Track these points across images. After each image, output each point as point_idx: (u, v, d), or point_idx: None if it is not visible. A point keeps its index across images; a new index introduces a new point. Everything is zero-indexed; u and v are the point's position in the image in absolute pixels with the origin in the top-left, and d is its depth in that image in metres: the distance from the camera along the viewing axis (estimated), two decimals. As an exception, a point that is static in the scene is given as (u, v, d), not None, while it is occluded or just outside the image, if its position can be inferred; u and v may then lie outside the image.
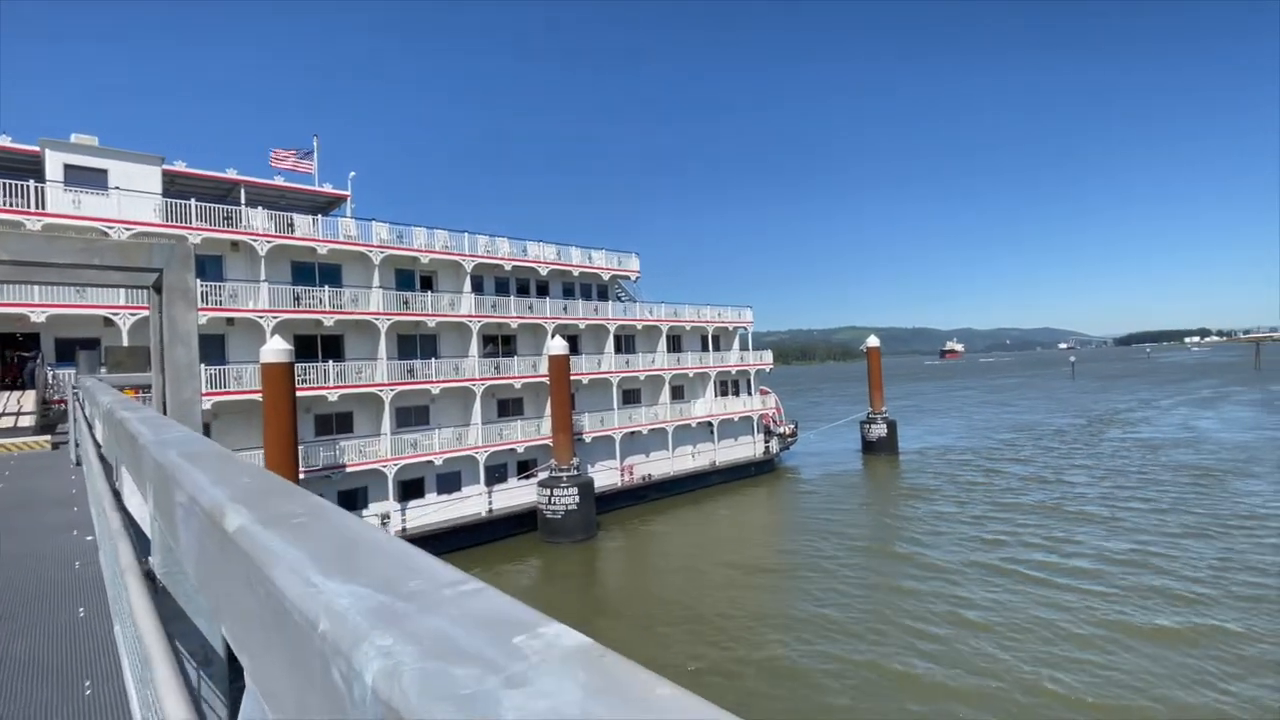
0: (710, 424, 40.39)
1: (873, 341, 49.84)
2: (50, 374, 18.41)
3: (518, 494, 30.63)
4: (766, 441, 43.34)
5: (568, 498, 28.49)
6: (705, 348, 43.24)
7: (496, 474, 30.91)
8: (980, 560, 22.82)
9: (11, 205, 21.24)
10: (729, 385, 44.31)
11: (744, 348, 46.00)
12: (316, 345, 27.45)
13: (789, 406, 57.10)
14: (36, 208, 21.67)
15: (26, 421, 14.83)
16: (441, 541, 26.57)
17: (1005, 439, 51.69)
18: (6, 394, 16.01)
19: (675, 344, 41.71)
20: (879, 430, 46.20)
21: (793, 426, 47.27)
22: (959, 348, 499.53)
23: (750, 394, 44.83)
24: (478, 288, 32.73)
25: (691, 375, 41.29)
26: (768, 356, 46.95)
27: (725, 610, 19.84)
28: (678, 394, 40.79)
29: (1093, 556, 22.54)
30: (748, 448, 42.20)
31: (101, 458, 4.32)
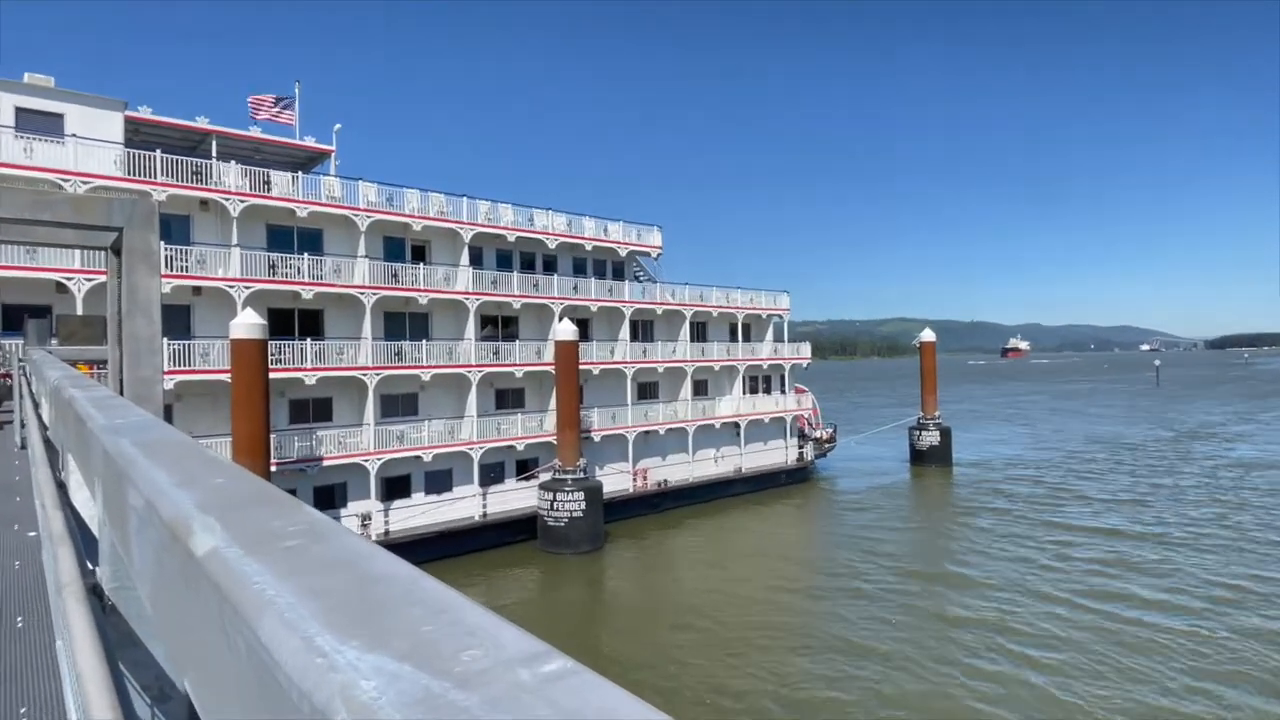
0: (737, 425, 40.21)
1: (927, 336, 49.33)
2: (-5, 344, 18.64)
3: (516, 497, 30.72)
4: (800, 447, 43.12)
5: (572, 503, 28.53)
6: (734, 337, 43.00)
7: (492, 474, 31.01)
8: (1042, 590, 22.52)
9: (-44, 153, 21.49)
10: (759, 381, 44.07)
11: (778, 338, 45.70)
12: (293, 320, 27.62)
13: (827, 407, 56.77)
14: (-16, 156, 21.90)
15: (-32, 397, 15.01)
16: (429, 548, 26.74)
17: (1076, 453, 51.03)
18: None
19: (700, 332, 41.51)
20: (930, 438, 45.78)
21: (831, 430, 46.97)
22: (1024, 345, 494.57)
23: (784, 392, 44.56)
24: (476, 261, 32.72)
25: (717, 369, 41.08)
26: (805, 349, 46.63)
27: (749, 638, 19.74)
28: (701, 389, 40.63)
29: (1172, 591, 22.13)
30: (779, 453, 42.01)
31: (47, 442, 4.25)
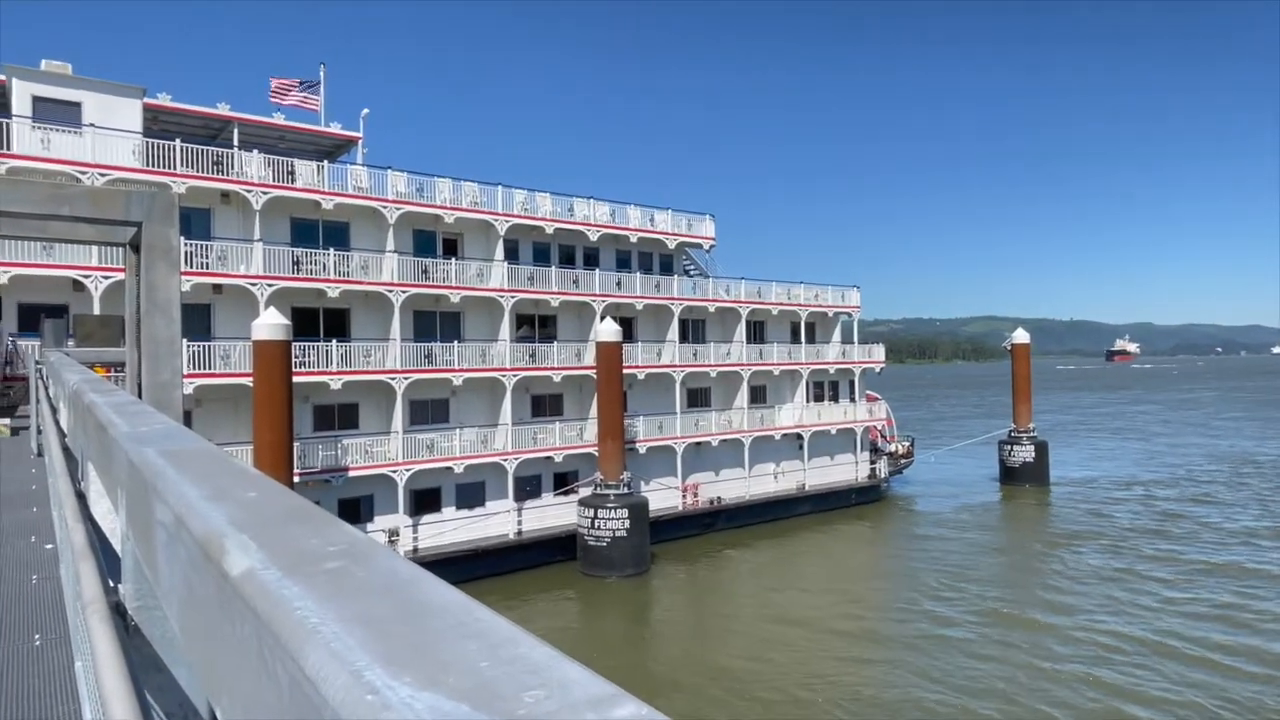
0: (800, 437, 39.76)
1: (1020, 337, 48.00)
2: (10, 345, 19.66)
3: (554, 514, 30.98)
4: (873, 462, 42.40)
5: (615, 521, 28.62)
6: (796, 338, 42.57)
7: (528, 487, 31.33)
8: (1151, 640, 21.58)
9: (-26, 145, 22.78)
10: (825, 388, 43.49)
11: (847, 339, 45.07)
12: (318, 320, 28.44)
13: (904, 418, 55.75)
14: (0, 148, 23.15)
15: (-14, 401, 15.84)
16: (460, 567, 27.14)
17: (1195, 471, 48.92)
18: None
19: (757, 332, 41.21)
20: (1024, 453, 44.50)
21: (908, 444, 46.08)
22: (1132, 348, 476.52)
23: (853, 400, 43.87)
24: (512, 255, 33.16)
25: (777, 373, 40.71)
26: (878, 352, 45.82)
27: (810, 684, 19.47)
28: (758, 397, 40.33)
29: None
30: (848, 469, 41.39)
31: (66, 450, 4.44)
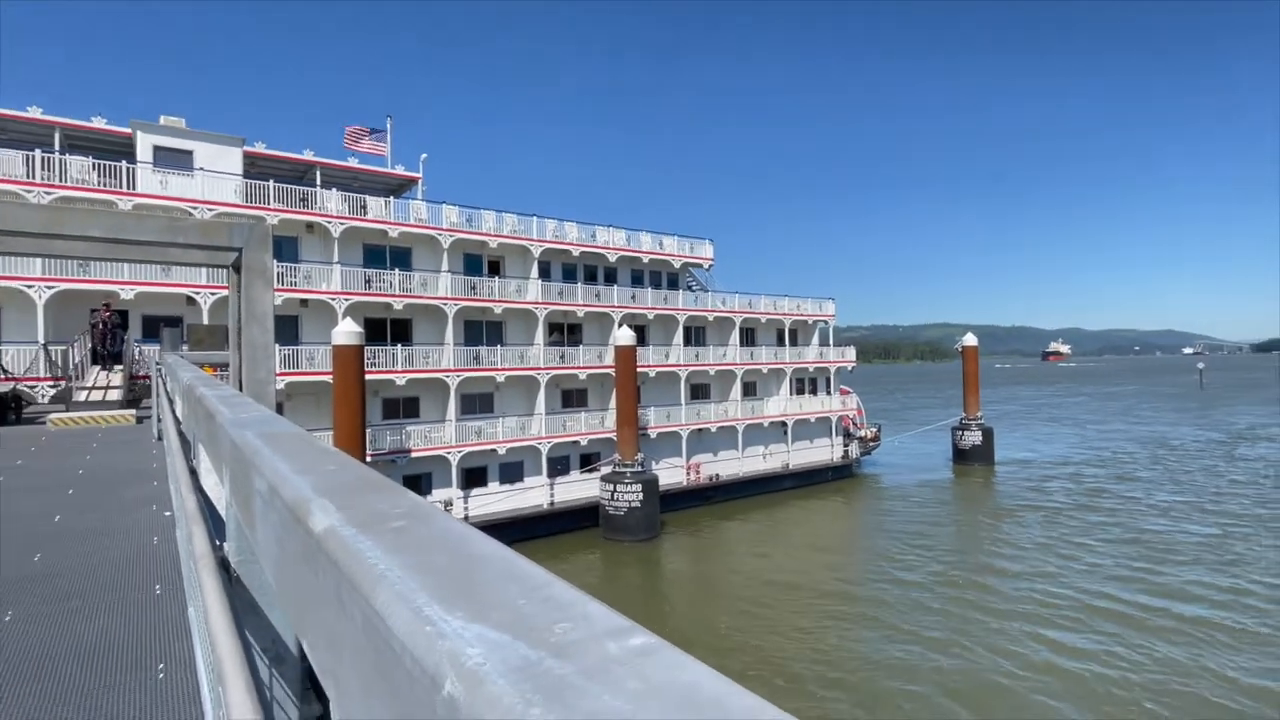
0: (784, 424, 39.55)
1: (969, 340, 47.51)
2: (137, 350, 19.90)
3: (580, 488, 30.98)
4: (846, 445, 42.12)
5: (631, 494, 28.58)
6: (781, 342, 42.36)
7: (559, 466, 31.36)
8: (1079, 585, 21.35)
9: (105, 185, 23.08)
10: (806, 383, 43.26)
11: (824, 343, 44.78)
12: (386, 329, 28.59)
13: (872, 408, 55.31)
14: (127, 188, 23.46)
15: (115, 395, 16.06)
16: (503, 532, 27.18)
17: (1119, 453, 48.23)
18: (97, 368, 17.36)
19: (749, 337, 41.04)
20: (973, 438, 44.01)
21: (875, 430, 45.73)
22: (1064, 349, 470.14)
23: (829, 393, 43.61)
24: (545, 274, 33.21)
25: (765, 371, 40.53)
26: (850, 353, 45.56)
27: (793, 621, 19.39)
28: (750, 391, 40.15)
29: (1215, 603, 20.56)
30: (825, 451, 41.14)
31: (181, 434, 4.48)
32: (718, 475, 35.74)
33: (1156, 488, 36.17)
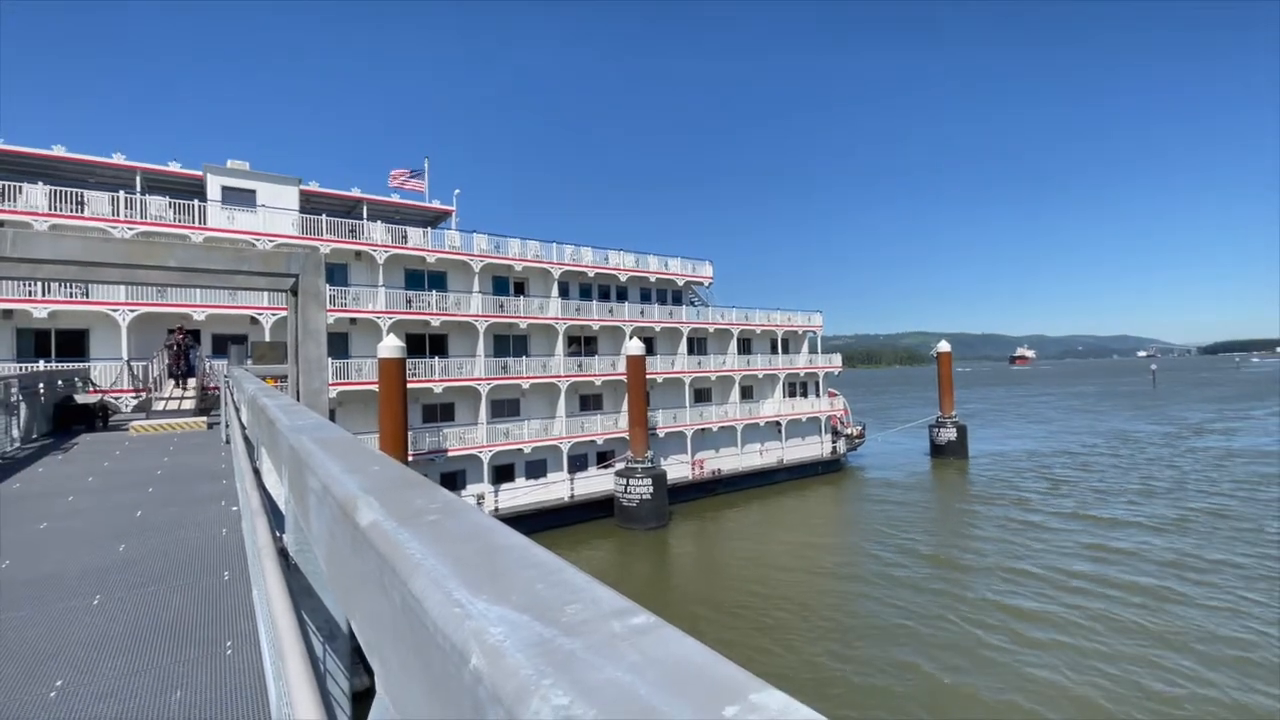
0: (778, 423, 39.35)
1: (944, 346, 47.08)
2: (208, 364, 20.15)
3: (597, 482, 30.92)
4: (834, 442, 41.79)
5: (642, 487, 28.49)
6: (774, 350, 42.18)
7: (578, 463, 31.32)
8: (1038, 569, 21.00)
9: (180, 221, 23.44)
10: (797, 387, 43.02)
11: (813, 351, 44.55)
12: (425, 343, 28.76)
13: (858, 409, 54.92)
14: (199, 223, 23.81)
15: (189, 405, 16.24)
16: (529, 521, 27.18)
17: (1081, 445, 47.54)
18: (173, 382, 17.57)
19: (745, 346, 40.94)
20: (948, 434, 43.56)
21: (860, 428, 45.35)
22: (1030, 354, 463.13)
23: (818, 396, 43.35)
24: (564, 293, 33.33)
25: (761, 376, 40.37)
26: (836, 360, 45.25)
27: (790, 598, 19.20)
28: (747, 394, 40.00)
29: (1162, 574, 20.24)
30: (815, 447, 40.84)
31: (246, 438, 4.54)
32: (720, 470, 35.56)
33: (1115, 475, 35.63)
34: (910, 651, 15.71)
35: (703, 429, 35.65)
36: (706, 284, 40.30)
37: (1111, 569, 20.75)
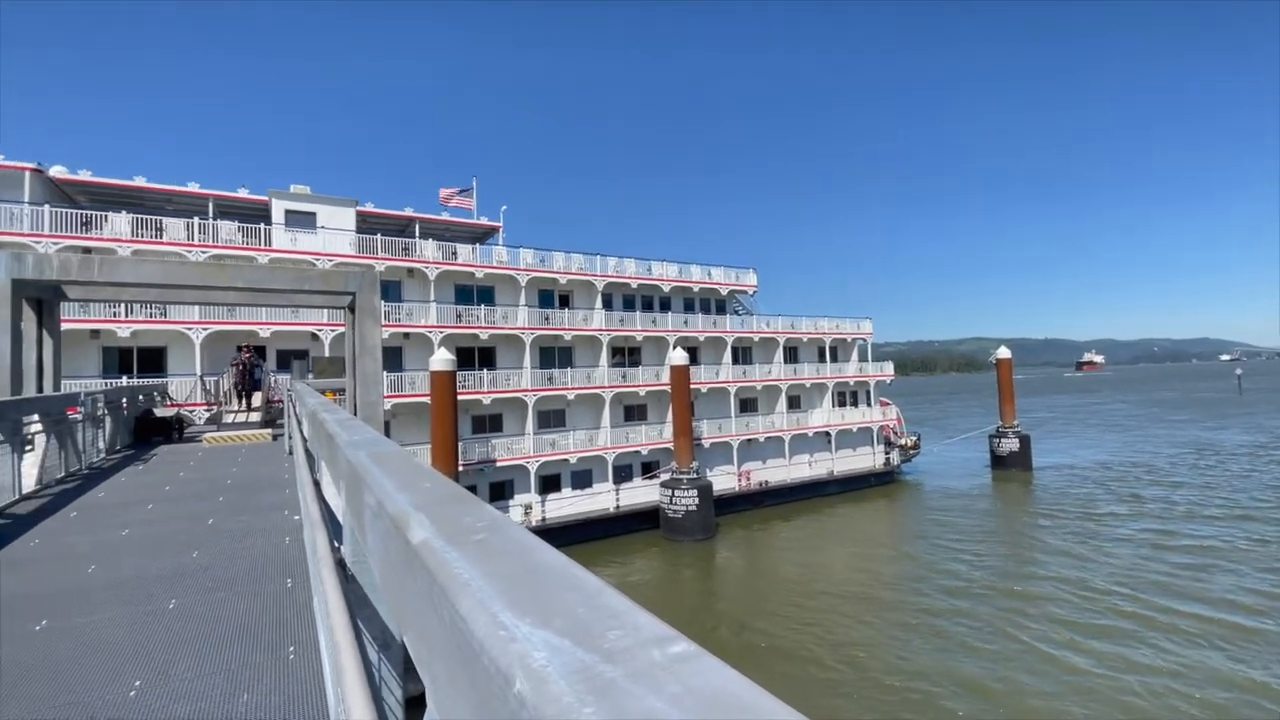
0: (828, 434, 38.44)
1: (1003, 353, 45.12)
2: (272, 379, 21.21)
3: (642, 492, 30.89)
4: (887, 453, 40.51)
5: (688, 499, 28.29)
6: (822, 359, 41.31)
7: (623, 473, 31.39)
8: (1111, 589, 19.67)
9: (248, 244, 24.86)
10: (847, 396, 41.95)
11: (863, 359, 43.40)
12: (474, 356, 29.50)
13: (912, 418, 53.17)
14: (265, 245, 25.19)
15: (255, 418, 17.12)
16: (575, 532, 27.37)
17: (1159, 457, 44.51)
18: (240, 396, 18.55)
19: (792, 355, 40.24)
20: (1010, 445, 41.58)
21: (915, 438, 43.81)
22: (1098, 359, 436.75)
23: (870, 405, 42.15)
24: (607, 304, 33.63)
25: (808, 385, 39.57)
26: (888, 368, 43.92)
27: (839, 617, 18.62)
28: (794, 404, 39.26)
29: (1252, 609, 18.60)
30: (867, 458, 39.69)
31: (307, 451, 4.74)
32: (767, 481, 34.97)
33: (1199, 492, 33.18)
34: (975, 670, 14.99)
35: (749, 439, 35.18)
36: (751, 292, 39.90)
37: (1195, 603, 19.26)
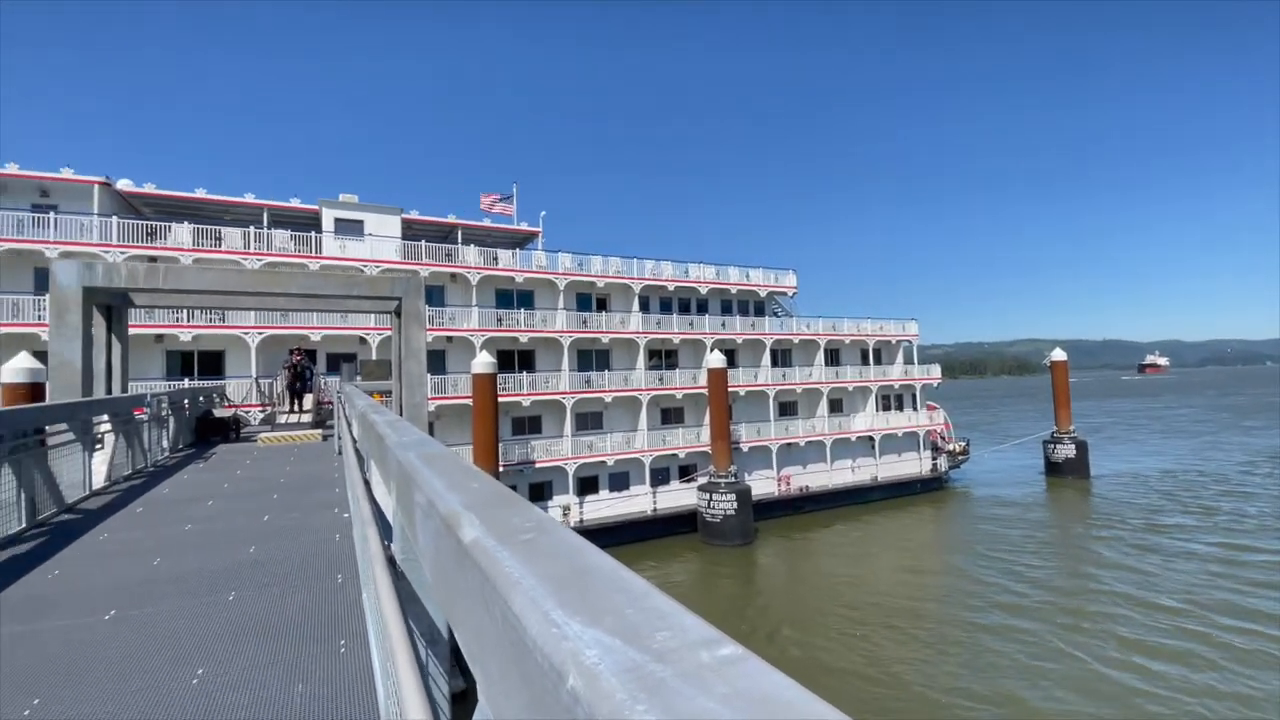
0: (871, 438, 37.55)
1: (1058, 355, 43.26)
2: (323, 381, 22.02)
3: (679, 496, 30.80)
4: (934, 459, 39.31)
5: (726, 503, 28.06)
6: (865, 361, 40.42)
7: (660, 476, 31.36)
8: (1171, 606, 18.54)
9: (299, 251, 25.90)
10: (892, 399, 40.90)
11: (908, 361, 42.27)
12: (514, 359, 30.00)
13: (961, 423, 51.49)
14: (315, 252, 26.20)
15: (306, 418, 17.79)
16: (613, 534, 27.47)
17: (1230, 465, 41.83)
18: (292, 398, 19.29)
19: (833, 357, 39.50)
20: (1066, 451, 39.80)
21: (964, 444, 42.40)
22: (1162, 361, 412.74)
23: (916, 409, 40.98)
24: (644, 307, 33.70)
25: (851, 389, 38.75)
26: (935, 371, 42.64)
27: (880, 626, 18.13)
28: (836, 407, 38.52)
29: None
30: (912, 464, 38.59)
31: (357, 451, 4.91)
32: (808, 486, 34.38)
33: (1276, 503, 31.02)
34: (1027, 691, 14.38)
35: (788, 444, 34.67)
36: (790, 294, 39.38)
37: (1271, 624, 18.01)
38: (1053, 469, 40.09)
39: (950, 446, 41.07)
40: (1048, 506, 33.37)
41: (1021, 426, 66.23)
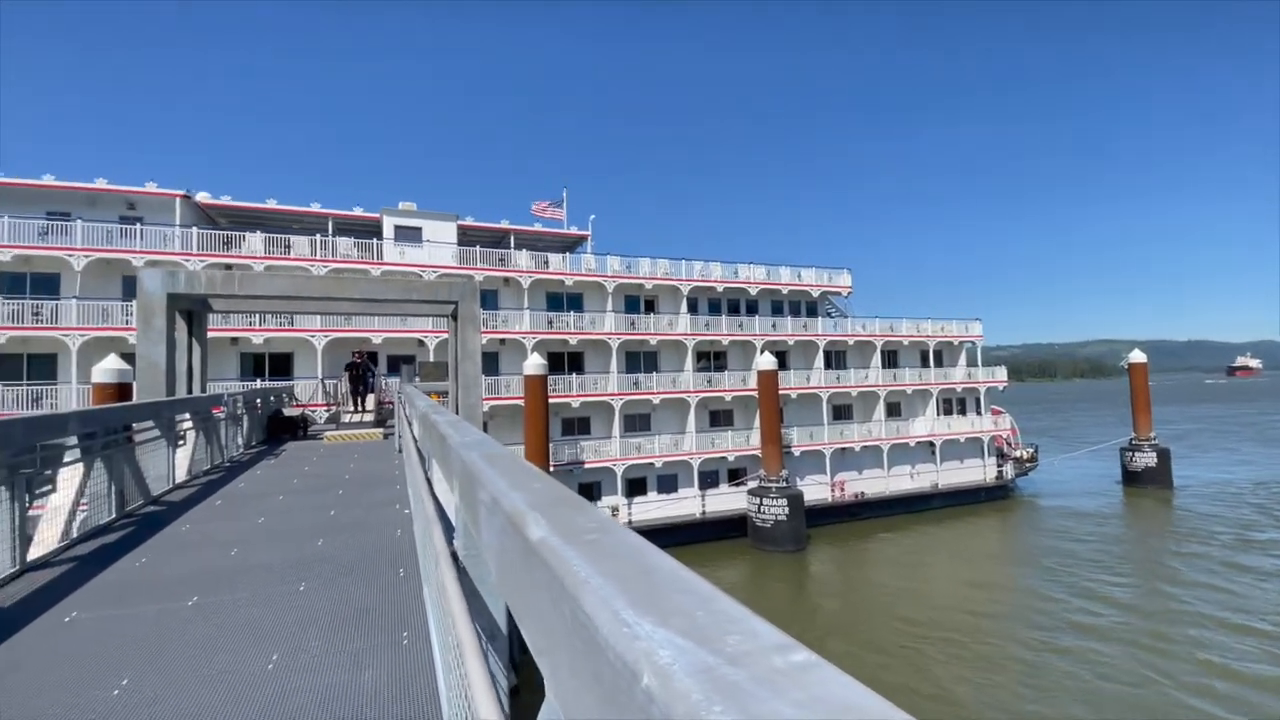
0: (931, 444, 36.17)
1: (1137, 357, 40.58)
2: (383, 382, 22.94)
3: (728, 499, 30.50)
4: (1000, 466, 37.53)
5: (777, 508, 27.61)
6: (925, 363, 38.97)
7: (709, 479, 31.14)
8: (1266, 647, 16.98)
9: (362, 258, 27.07)
10: (954, 403, 39.28)
11: (971, 363, 40.51)
12: (564, 361, 30.46)
13: (1030, 428, 48.99)
14: (377, 259, 27.33)
15: (368, 418, 18.58)
16: (661, 536, 27.42)
17: (1342, 480, 38.13)
18: (355, 397, 20.18)
19: (891, 359, 38.25)
20: (1146, 459, 37.26)
21: (1031, 450, 40.32)
22: (1254, 364, 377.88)
23: (979, 414, 39.21)
24: (693, 309, 33.57)
25: (909, 392, 37.45)
26: (1000, 373, 40.71)
27: (935, 642, 17.40)
28: (894, 411, 37.28)
29: None
30: (976, 471, 36.96)
31: (418, 449, 5.09)
32: (863, 493, 33.44)
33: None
34: (1093, 713, 13.53)
35: (843, 448, 33.82)
36: (845, 294, 38.41)
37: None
38: (1131, 478, 37.61)
39: (1017, 453, 39.13)
40: (1125, 518, 31.32)
41: (1096, 433, 62.37)
